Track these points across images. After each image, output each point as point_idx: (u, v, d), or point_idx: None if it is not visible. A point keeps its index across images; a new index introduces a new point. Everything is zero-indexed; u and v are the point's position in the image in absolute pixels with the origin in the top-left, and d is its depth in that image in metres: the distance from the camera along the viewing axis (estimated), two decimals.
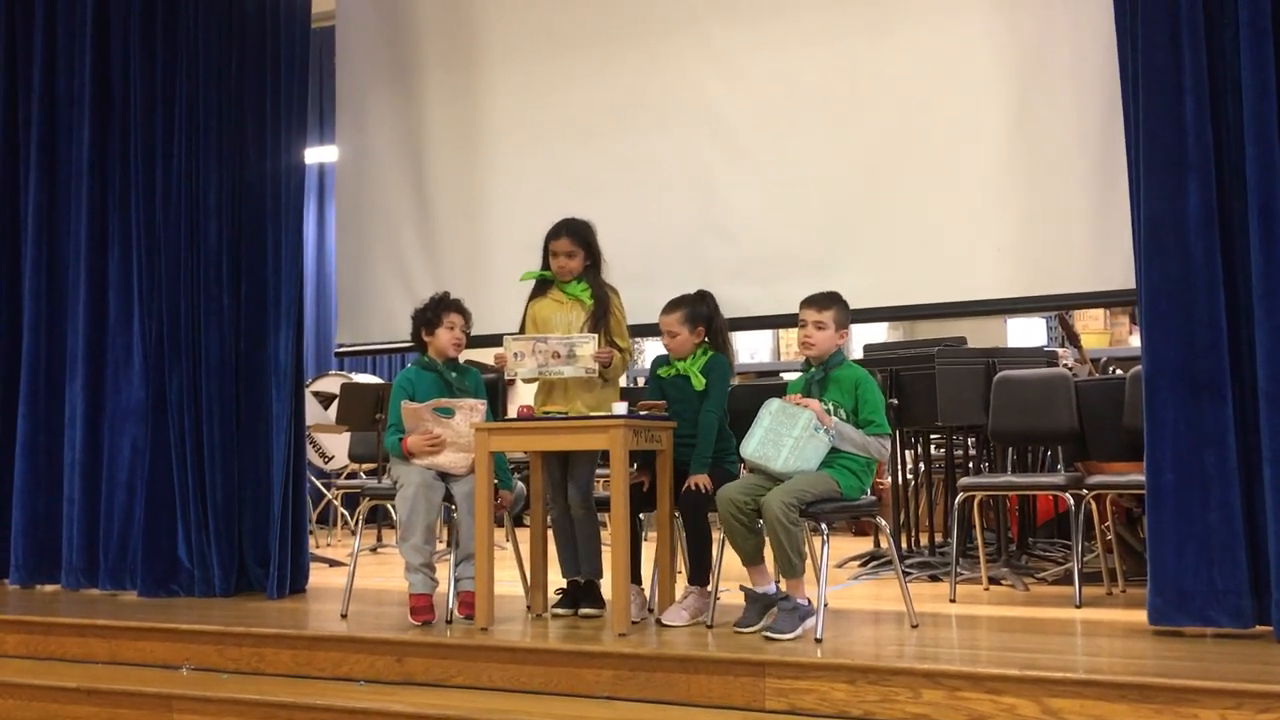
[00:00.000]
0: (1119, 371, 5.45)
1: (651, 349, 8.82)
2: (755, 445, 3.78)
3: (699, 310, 4.16)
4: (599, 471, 4.40)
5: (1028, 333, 8.49)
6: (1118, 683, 2.97)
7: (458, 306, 4.36)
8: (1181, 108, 3.61)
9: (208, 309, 5.04)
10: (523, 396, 8.06)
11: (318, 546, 7.06)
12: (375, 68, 5.55)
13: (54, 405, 5.34)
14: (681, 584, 4.11)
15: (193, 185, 5.12)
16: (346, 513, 7.87)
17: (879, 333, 8.47)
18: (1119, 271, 4.03)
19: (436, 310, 4.33)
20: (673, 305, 4.18)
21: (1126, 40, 3.74)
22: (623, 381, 4.60)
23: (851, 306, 4.34)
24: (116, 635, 4.24)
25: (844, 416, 3.84)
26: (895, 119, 4.56)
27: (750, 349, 9.29)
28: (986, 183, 4.40)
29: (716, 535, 4.00)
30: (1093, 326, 8.22)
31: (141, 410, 5.10)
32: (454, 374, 4.34)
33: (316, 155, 8.61)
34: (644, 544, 4.32)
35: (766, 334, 9.02)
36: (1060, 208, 4.28)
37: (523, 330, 4.32)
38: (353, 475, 7.86)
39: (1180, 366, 3.58)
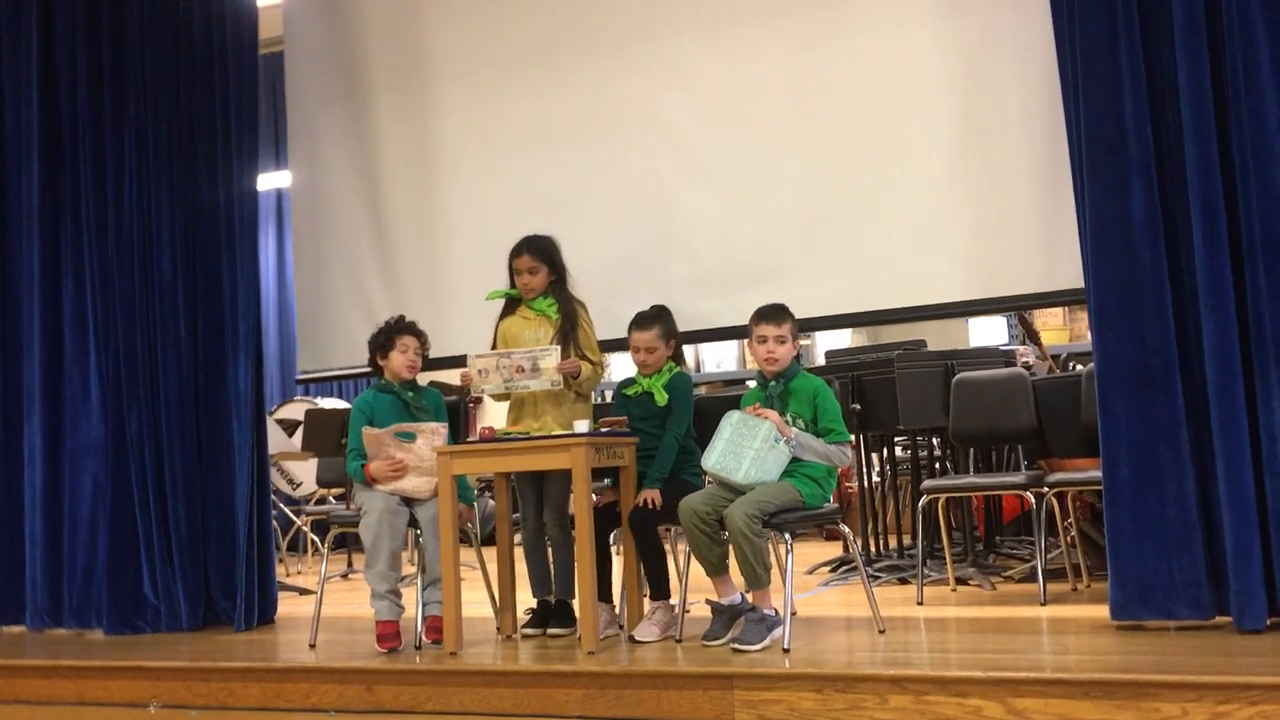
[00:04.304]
0: (1079, 367, 5.51)
1: (618, 364, 8.84)
2: (716, 457, 3.80)
3: (670, 324, 4.19)
4: None
5: (989, 332, 8.58)
6: (1081, 680, 3.00)
7: (411, 329, 4.36)
8: (1121, 110, 3.66)
9: (165, 341, 5.00)
10: (492, 414, 8.03)
11: (288, 575, 7.01)
12: (326, 92, 5.54)
13: (11, 444, 5.28)
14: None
15: (145, 216, 5.08)
16: (317, 539, 7.82)
17: (843, 338, 8.53)
18: (1070, 271, 4.06)
19: (389, 334, 4.32)
20: (647, 322, 4.15)
21: (1065, 44, 3.79)
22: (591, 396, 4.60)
23: (811, 315, 4.40)
24: (83, 675, 4.19)
25: (804, 426, 3.86)
26: (848, 128, 4.60)
27: (716, 359, 9.34)
28: (938, 188, 4.45)
29: (681, 547, 4.01)
30: (1052, 323, 8.31)
31: (101, 446, 5.05)
32: (411, 394, 4.33)
33: (274, 181, 8.58)
34: (614, 560, 4.32)
35: (732, 344, 9.06)
36: (1011, 210, 4.33)
37: (494, 349, 4.32)
38: (321, 501, 7.82)
39: (1131, 363, 3.62)
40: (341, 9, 5.52)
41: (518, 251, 4.28)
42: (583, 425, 3.95)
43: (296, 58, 5.65)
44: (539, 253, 4.25)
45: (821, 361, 6.97)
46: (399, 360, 4.30)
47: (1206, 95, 3.54)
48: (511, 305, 4.37)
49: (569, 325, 4.22)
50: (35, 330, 5.23)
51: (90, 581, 5.04)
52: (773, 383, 3.95)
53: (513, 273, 4.30)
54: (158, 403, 4.98)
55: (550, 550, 4.21)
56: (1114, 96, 3.67)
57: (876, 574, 5.14)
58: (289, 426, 7.60)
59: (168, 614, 4.89)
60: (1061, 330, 8.46)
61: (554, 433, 4.10)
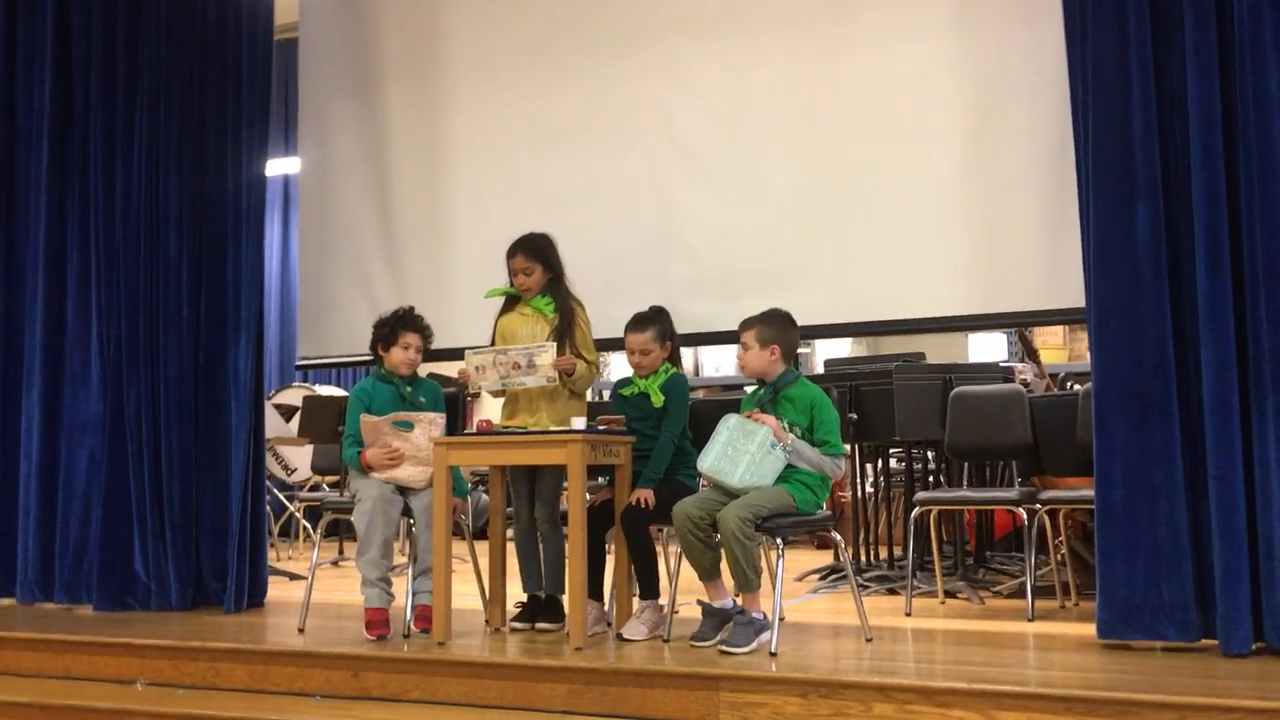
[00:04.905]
0: (1077, 386, 5.52)
1: (618, 363, 8.85)
2: (712, 460, 3.81)
3: (666, 326, 4.19)
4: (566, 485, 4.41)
5: (989, 348, 8.60)
6: (1064, 696, 3.01)
7: (416, 325, 4.36)
8: (1130, 130, 3.67)
9: (167, 321, 5.01)
10: (490, 407, 8.05)
11: (279, 559, 7.02)
12: (338, 80, 5.56)
13: (10, 416, 5.30)
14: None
15: (153, 197, 5.09)
16: (309, 525, 7.83)
17: (843, 348, 8.56)
18: (1071, 290, 4.08)
19: (394, 328, 4.33)
20: (643, 323, 4.16)
21: (1077, 63, 3.81)
22: (587, 395, 4.61)
23: (811, 322, 4.39)
24: (70, 650, 4.20)
25: (799, 434, 3.87)
26: (854, 138, 4.62)
27: (715, 363, 9.35)
28: (943, 201, 4.46)
29: (672, 548, 4.02)
30: (1052, 342, 8.34)
31: (99, 422, 5.07)
32: (409, 387, 4.34)
33: (283, 166, 8.59)
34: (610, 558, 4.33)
35: (733, 348, 9.06)
36: (1015, 227, 4.35)
37: (491, 345, 4.33)
38: (315, 487, 7.83)
39: (1129, 384, 3.64)
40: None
41: (512, 252, 4.30)
42: (580, 422, 3.96)
43: (310, 45, 5.68)
44: (534, 253, 4.27)
45: (820, 370, 6.99)
46: (399, 356, 4.31)
47: (1215, 115, 3.55)
48: (511, 302, 4.39)
49: (566, 323, 4.24)
50: (38, 305, 5.25)
51: (82, 557, 5.06)
52: (762, 389, 3.97)
53: (510, 271, 4.32)
54: (157, 382, 4.99)
55: (541, 545, 4.23)
56: (1123, 115, 3.68)
57: (866, 583, 5.16)
58: (286, 412, 7.61)
59: (158, 592, 4.90)
60: (1061, 349, 8.49)
61: (550, 428, 4.11)
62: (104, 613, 4.87)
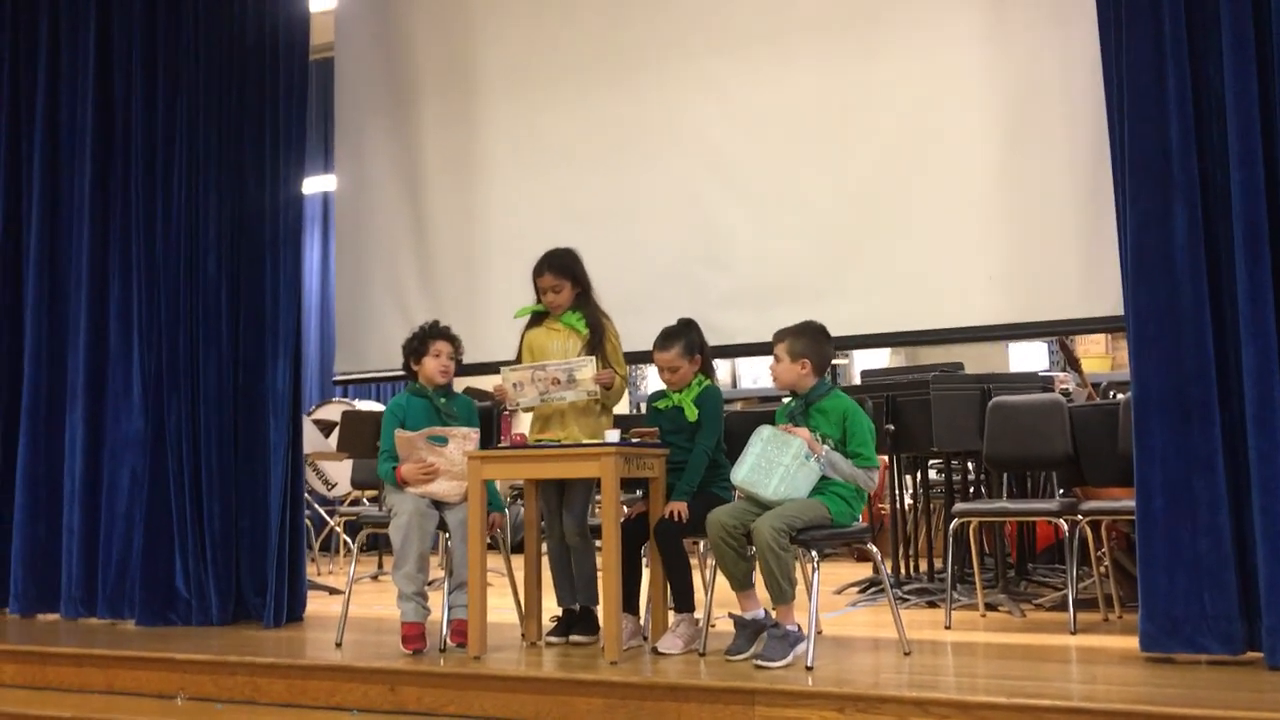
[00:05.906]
0: (1120, 396, 5.45)
1: (653, 376, 8.85)
2: (746, 472, 3.79)
3: (694, 339, 4.16)
4: (597, 498, 4.41)
5: (1029, 357, 8.51)
6: (1106, 710, 2.96)
7: (444, 334, 4.39)
8: (1167, 133, 3.62)
9: (206, 339, 5.08)
10: (523, 422, 8.09)
11: (319, 574, 7.07)
12: (373, 98, 5.62)
13: (54, 435, 5.39)
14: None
15: (192, 216, 5.17)
16: (349, 540, 7.88)
17: (881, 358, 8.49)
18: (1109, 297, 4.03)
19: (423, 340, 4.36)
20: (668, 339, 4.12)
21: (1112, 67, 3.77)
22: (623, 408, 4.61)
23: (845, 333, 4.37)
24: (113, 665, 4.25)
25: (833, 446, 3.84)
26: (887, 148, 4.60)
27: (752, 375, 9.32)
28: (978, 210, 4.43)
29: (708, 561, 4.00)
30: (1094, 350, 8.23)
31: (140, 440, 5.13)
32: (443, 400, 4.36)
33: (321, 184, 8.69)
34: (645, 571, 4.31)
35: (768, 359, 9.03)
36: (1051, 234, 4.30)
37: (518, 361, 4.34)
38: (355, 502, 7.89)
39: (1169, 392, 3.58)
40: (392, 18, 5.62)
41: (539, 270, 4.30)
42: (613, 435, 3.96)
43: (346, 64, 5.75)
44: (561, 270, 4.27)
45: (858, 381, 6.95)
46: (432, 365, 4.34)
47: (1254, 120, 3.49)
48: (538, 317, 4.40)
49: (597, 338, 4.24)
50: (81, 325, 5.34)
51: (124, 573, 5.12)
52: (793, 401, 3.95)
53: (537, 289, 4.33)
54: (197, 400, 5.06)
55: (572, 557, 4.22)
56: (1159, 117, 3.63)
57: (905, 596, 5.11)
58: (326, 427, 7.67)
59: (198, 608, 4.95)
60: (1103, 358, 8.38)
61: (582, 442, 4.11)
62: (146, 628, 4.93)
